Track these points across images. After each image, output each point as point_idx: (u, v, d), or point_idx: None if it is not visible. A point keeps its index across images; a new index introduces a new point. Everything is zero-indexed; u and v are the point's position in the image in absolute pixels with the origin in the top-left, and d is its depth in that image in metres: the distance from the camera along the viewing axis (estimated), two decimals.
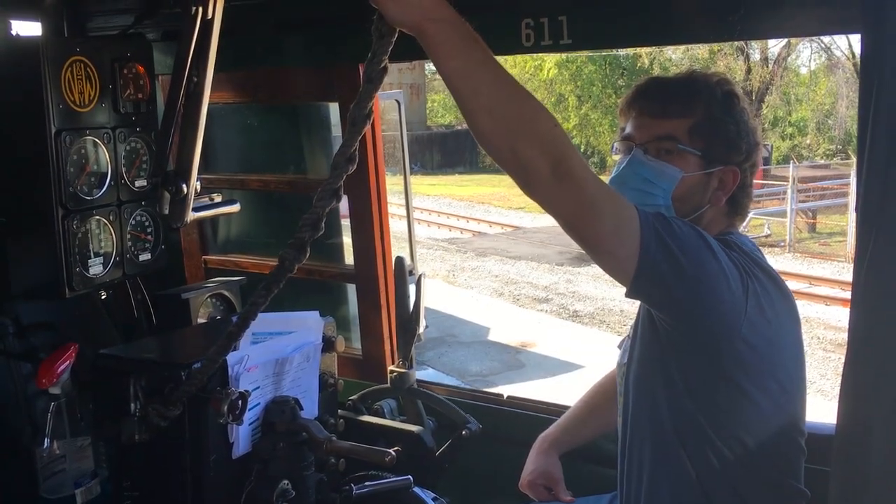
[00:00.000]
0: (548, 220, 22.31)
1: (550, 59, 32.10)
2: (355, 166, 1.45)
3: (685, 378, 1.82)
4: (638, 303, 1.93)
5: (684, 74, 2.07)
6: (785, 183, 19.48)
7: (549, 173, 1.50)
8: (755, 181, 2.04)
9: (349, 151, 1.44)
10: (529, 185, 1.54)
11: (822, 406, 8.63)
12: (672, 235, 1.67)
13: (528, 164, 1.50)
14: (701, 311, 1.73)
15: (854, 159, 20.53)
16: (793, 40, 28.64)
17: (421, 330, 2.55)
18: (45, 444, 2.06)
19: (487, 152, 1.53)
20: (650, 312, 1.86)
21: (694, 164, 1.89)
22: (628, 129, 1.97)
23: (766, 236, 19.08)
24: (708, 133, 1.89)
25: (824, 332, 12.27)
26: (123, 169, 2.57)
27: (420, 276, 2.58)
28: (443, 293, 14.20)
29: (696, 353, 1.79)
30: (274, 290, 1.56)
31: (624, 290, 1.71)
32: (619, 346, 2.15)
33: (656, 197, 1.88)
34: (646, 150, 1.91)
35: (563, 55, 30.84)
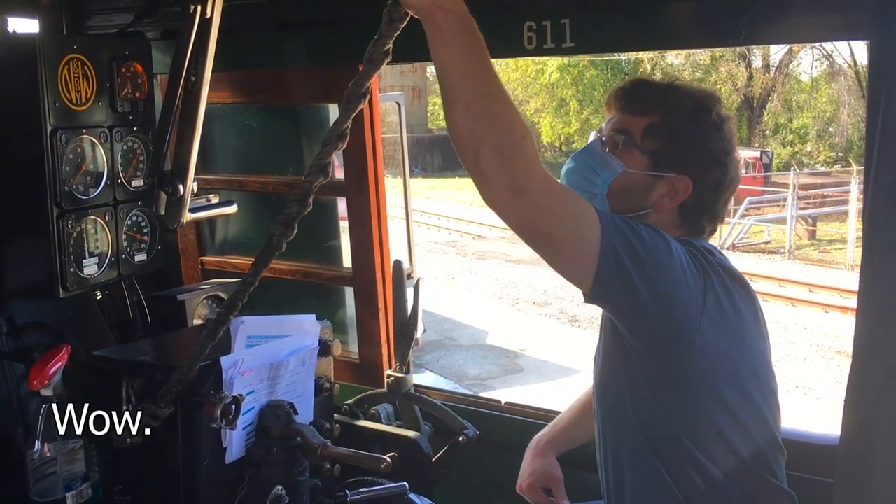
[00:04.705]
0: None
1: (552, 63, 32.12)
2: (346, 144, 1.49)
3: (650, 383, 1.78)
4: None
5: (668, 80, 2.04)
6: (785, 190, 19.46)
7: (504, 185, 1.53)
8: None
9: (341, 128, 1.47)
10: (484, 193, 1.57)
11: (819, 412, 8.62)
12: (633, 233, 1.66)
13: (487, 171, 1.53)
14: (660, 308, 1.69)
15: (855, 167, 20.53)
16: (795, 47, 28.69)
17: (419, 334, 2.52)
18: (36, 447, 2.03)
19: (455, 148, 1.55)
20: (612, 320, 1.84)
21: (640, 163, 1.87)
22: (604, 123, 1.99)
23: (766, 243, 19.07)
24: (662, 136, 1.87)
25: (822, 339, 12.26)
26: (120, 168, 2.55)
27: (418, 280, 2.56)
28: (442, 296, 14.17)
29: (658, 354, 1.76)
30: (262, 268, 1.58)
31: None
32: (595, 359, 2.08)
33: (595, 185, 1.89)
34: (603, 141, 1.93)
35: (565, 59, 30.86)
